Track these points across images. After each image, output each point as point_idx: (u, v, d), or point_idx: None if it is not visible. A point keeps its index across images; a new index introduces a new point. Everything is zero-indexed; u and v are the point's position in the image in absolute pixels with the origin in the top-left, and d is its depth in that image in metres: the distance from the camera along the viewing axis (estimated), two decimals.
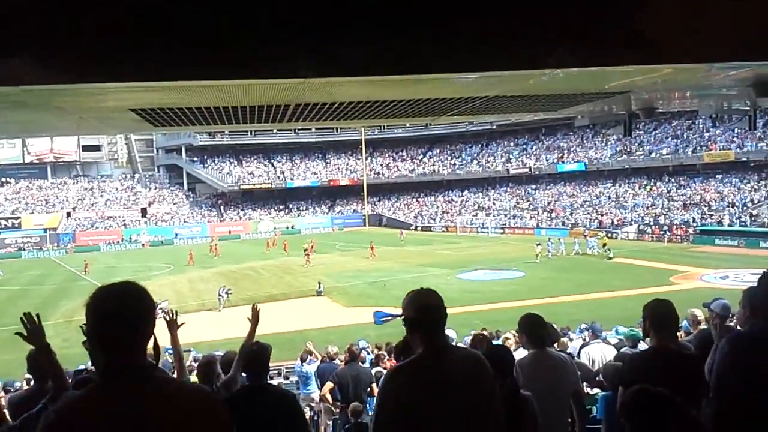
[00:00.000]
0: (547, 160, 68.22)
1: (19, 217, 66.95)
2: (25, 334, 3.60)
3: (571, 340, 9.32)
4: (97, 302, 1.87)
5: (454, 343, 8.15)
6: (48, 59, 3.15)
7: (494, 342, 7.25)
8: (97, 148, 79.38)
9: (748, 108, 7.60)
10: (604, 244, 40.25)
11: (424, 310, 2.78)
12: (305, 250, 42.12)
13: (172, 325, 4.86)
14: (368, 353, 13.02)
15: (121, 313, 1.85)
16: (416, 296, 2.83)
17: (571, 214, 58.45)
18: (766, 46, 3.53)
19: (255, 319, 5.05)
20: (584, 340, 8.77)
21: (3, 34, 3.00)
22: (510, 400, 3.77)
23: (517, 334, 9.51)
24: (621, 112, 6.74)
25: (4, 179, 73.51)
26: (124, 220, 70.38)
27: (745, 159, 50.05)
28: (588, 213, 57.11)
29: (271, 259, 46.16)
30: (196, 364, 7.85)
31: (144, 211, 72.04)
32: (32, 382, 5.30)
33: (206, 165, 79.24)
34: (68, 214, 69.46)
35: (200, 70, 3.33)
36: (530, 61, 3.62)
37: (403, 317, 2.82)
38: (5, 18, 2.95)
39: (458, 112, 5.78)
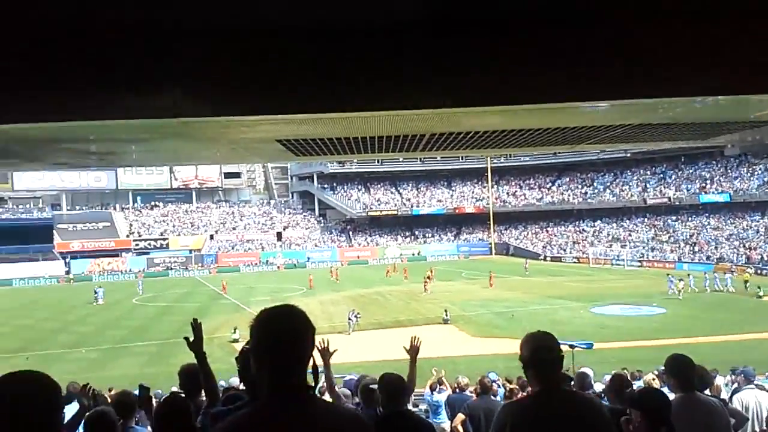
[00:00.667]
0: (687, 190, 64.06)
1: (167, 239, 72.51)
2: (191, 339, 3.79)
3: (726, 385, 8.59)
4: (266, 322, 1.94)
5: (591, 381, 7.78)
6: (204, 94, 3.42)
7: (635, 384, 6.86)
8: (237, 175, 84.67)
9: None
10: (746, 281, 37.15)
11: (539, 350, 2.97)
12: (426, 277, 42.28)
13: (325, 353, 5.04)
14: (499, 386, 12.72)
15: (289, 333, 1.91)
16: (531, 337, 3.05)
17: (716, 247, 54.34)
18: None
19: (414, 351, 5.20)
20: (737, 384, 8.04)
21: (164, 68, 3.30)
22: None
23: (657, 376, 8.94)
24: None
25: (153, 203, 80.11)
26: (261, 243, 74.17)
27: None
28: (734, 247, 52.83)
29: (392, 285, 46.50)
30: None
31: (279, 235, 75.59)
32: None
33: (336, 192, 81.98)
34: (211, 237, 74.29)
35: (342, 103, 3.49)
36: (677, 88, 3.46)
37: (519, 356, 3.02)
38: (165, 51, 3.24)
39: (598, 140, 5.57)
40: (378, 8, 3.26)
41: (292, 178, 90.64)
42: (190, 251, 70.47)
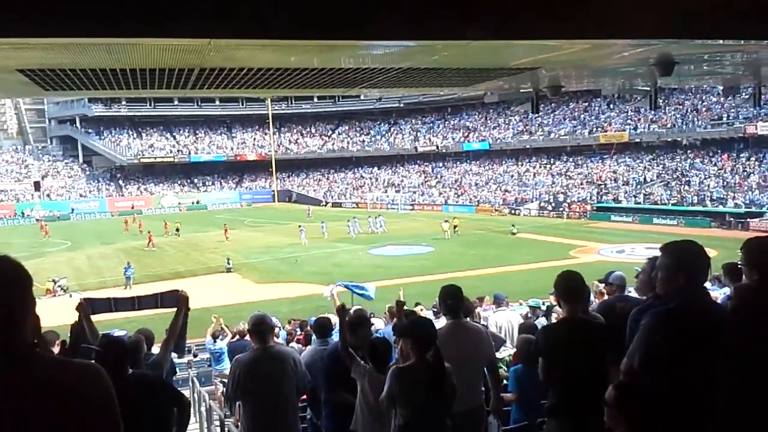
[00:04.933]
0: (453, 139, 69.57)
1: None
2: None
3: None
4: None
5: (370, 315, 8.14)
6: None
7: None
8: None
9: (649, 88, 7.95)
10: (455, 227, 39.74)
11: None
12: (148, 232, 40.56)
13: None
14: (281, 329, 12.87)
15: None
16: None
17: (476, 191, 60.01)
18: (672, 24, 3.64)
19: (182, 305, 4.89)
20: (492, 309, 9.02)
21: None
22: (435, 371, 3.78)
23: (424, 308, 9.69)
24: (528, 90, 6.87)
25: None
26: (15, 194, 65.99)
27: (638, 140, 52.98)
28: (492, 191, 58.82)
29: (123, 241, 42.97)
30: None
31: (37, 185, 67.76)
32: None
33: (103, 137, 75.28)
34: None
35: (94, 27, 3.05)
36: (444, 32, 3.58)
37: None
38: None
39: (370, 84, 5.68)
40: None
41: (50, 122, 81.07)
42: None
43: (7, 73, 4.18)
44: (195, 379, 11.85)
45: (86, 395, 1.72)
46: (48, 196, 67.06)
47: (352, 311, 5.87)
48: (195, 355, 15.54)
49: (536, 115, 62.29)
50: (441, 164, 69.07)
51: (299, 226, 39.52)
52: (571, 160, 58.37)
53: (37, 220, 58.74)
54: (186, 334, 5.05)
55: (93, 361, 2.63)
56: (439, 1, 3.40)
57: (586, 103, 61.09)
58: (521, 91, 7.22)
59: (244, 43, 3.60)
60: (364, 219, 44.13)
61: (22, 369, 1.66)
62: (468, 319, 5.44)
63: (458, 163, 67.85)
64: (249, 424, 4.93)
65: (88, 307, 4.64)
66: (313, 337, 6.30)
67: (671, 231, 35.84)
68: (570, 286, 3.77)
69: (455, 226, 39.36)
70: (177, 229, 43.85)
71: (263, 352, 4.86)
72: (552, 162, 59.52)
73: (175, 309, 4.78)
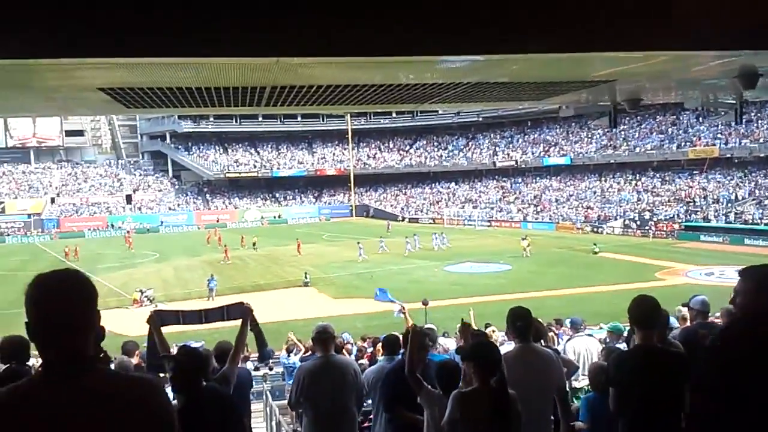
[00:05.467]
0: (533, 153, 68.35)
1: (2, 202, 66.17)
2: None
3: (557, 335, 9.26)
4: (33, 291, 1.74)
5: (435, 336, 8.01)
6: (4, 35, 2.95)
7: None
8: (80, 133, 78.62)
9: (734, 101, 7.50)
10: (528, 245, 38.03)
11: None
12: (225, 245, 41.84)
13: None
14: (353, 345, 12.93)
15: (57, 300, 1.73)
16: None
17: (557, 208, 58.60)
18: (754, 36, 3.41)
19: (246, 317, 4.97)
20: (568, 335, 8.67)
21: None
22: (498, 397, 3.65)
23: (496, 329, 9.45)
24: (606, 103, 6.61)
25: None
26: (108, 207, 69.74)
27: (729, 155, 50.36)
28: (574, 207, 57.29)
29: (207, 254, 44.25)
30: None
31: (129, 198, 71.42)
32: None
33: (191, 152, 78.58)
34: (52, 200, 68.72)
35: (167, 47, 3.15)
36: (517, 45, 3.49)
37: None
38: None
39: (440, 99, 5.61)
40: None
41: (142, 137, 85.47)
42: (29, 216, 64.76)
43: (90, 92, 4.38)
44: (269, 392, 12.02)
45: (141, 409, 1.73)
46: (139, 209, 70.48)
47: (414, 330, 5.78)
48: (270, 368, 15.82)
49: (620, 129, 60.39)
50: (520, 179, 67.95)
51: (358, 243, 39.48)
52: (657, 175, 56.06)
53: (127, 232, 61.84)
54: (265, 342, 5.24)
55: (150, 375, 2.68)
56: (506, 14, 3.32)
57: (674, 116, 58.57)
58: (599, 104, 6.96)
59: (311, 61, 3.63)
60: (427, 235, 43.87)
61: (79, 379, 1.69)
62: (540, 343, 5.25)
63: (538, 178, 66.56)
64: (310, 429, 5.13)
65: (158, 319, 4.77)
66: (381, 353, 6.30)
67: (764, 252, 33.75)
68: (643, 311, 3.55)
69: (528, 245, 38.16)
70: (254, 244, 44.75)
71: (326, 360, 5.11)
72: (637, 178, 57.37)
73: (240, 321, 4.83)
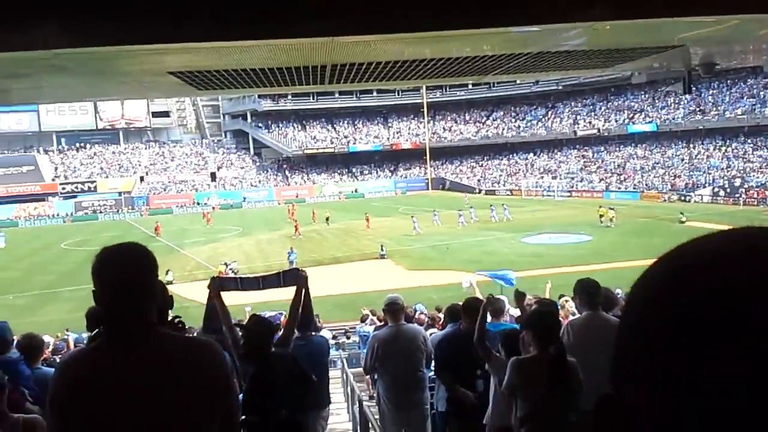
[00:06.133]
0: (616, 121, 65.88)
1: (94, 181, 69.99)
2: None
3: None
4: (98, 262, 1.89)
5: (504, 306, 8.05)
6: (74, 23, 3.19)
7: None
8: (166, 114, 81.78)
9: None
10: (601, 216, 37.50)
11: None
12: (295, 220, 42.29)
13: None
14: (426, 316, 13.10)
15: (114, 275, 1.87)
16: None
17: (642, 176, 56.45)
18: None
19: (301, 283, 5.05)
20: None
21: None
22: (557, 364, 3.68)
23: (569, 299, 9.33)
24: (680, 68, 6.34)
25: (79, 144, 76.73)
26: (194, 185, 72.59)
27: None
28: (660, 176, 55.02)
29: (287, 228, 44.47)
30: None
31: (213, 176, 74.06)
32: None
33: (271, 130, 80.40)
34: (141, 179, 72.13)
35: (225, 31, 3.32)
36: (579, 13, 3.45)
37: None
38: None
39: (502, 71, 5.56)
40: None
41: (224, 117, 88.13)
42: (120, 194, 68.27)
43: (159, 76, 4.62)
44: (345, 359, 12.39)
45: (197, 369, 1.85)
46: (223, 185, 72.98)
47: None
48: (348, 337, 16.27)
49: (709, 93, 57.28)
50: (602, 148, 65.77)
51: (412, 217, 39.55)
52: (749, 141, 52.95)
53: (212, 208, 64.20)
54: (312, 311, 5.32)
55: (210, 339, 2.87)
56: None
57: (767, 80, 54.97)
58: (672, 69, 6.68)
59: (369, 39, 3.71)
60: (485, 208, 43.20)
61: (140, 344, 1.84)
62: (611, 313, 5.20)
63: (621, 146, 64.22)
64: (384, 393, 5.59)
65: (218, 284, 4.98)
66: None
67: None
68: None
69: (611, 218, 37.07)
70: (327, 219, 45.06)
71: (396, 329, 5.52)
72: (727, 144, 54.40)
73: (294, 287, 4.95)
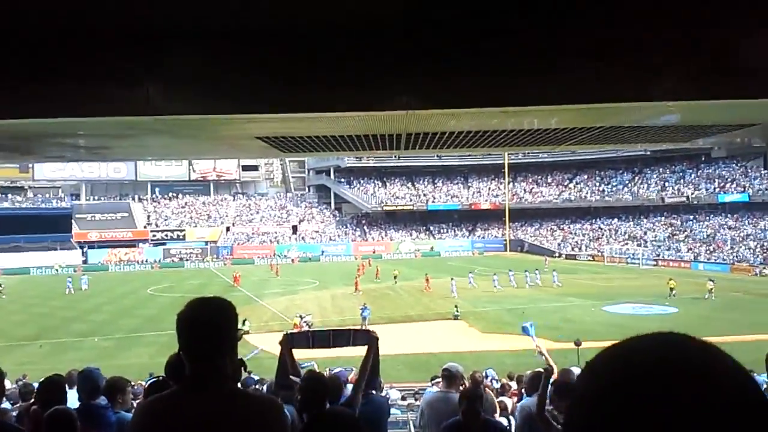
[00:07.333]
0: (706, 190, 63.37)
1: (183, 230, 73.27)
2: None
3: None
4: (182, 313, 2.06)
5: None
6: (175, 93, 3.57)
7: None
8: (254, 168, 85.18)
9: None
10: (671, 289, 35.52)
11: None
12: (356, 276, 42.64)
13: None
14: (497, 381, 12.83)
15: (198, 325, 2.04)
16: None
17: (732, 248, 53.73)
18: None
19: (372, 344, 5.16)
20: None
21: (137, 68, 3.46)
22: None
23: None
24: (760, 144, 6.22)
25: (171, 194, 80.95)
26: (276, 236, 74.64)
27: None
28: (752, 248, 52.20)
29: (363, 284, 43.98)
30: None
31: (294, 228, 76.05)
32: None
33: (353, 186, 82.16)
34: (227, 229, 74.92)
35: (310, 104, 3.62)
36: (649, 93, 3.56)
37: None
38: (139, 53, 3.40)
39: (577, 141, 5.64)
40: (359, 7, 3.38)
41: (309, 172, 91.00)
42: (206, 243, 71.14)
43: (248, 140, 5.00)
44: (412, 421, 12.25)
45: (260, 424, 1.99)
46: (303, 238, 74.71)
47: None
48: (416, 399, 16.08)
49: None
50: (691, 217, 63.26)
51: (470, 273, 41.10)
52: None
53: (291, 260, 65.65)
54: (379, 372, 5.37)
55: (274, 396, 3.02)
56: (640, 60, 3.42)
57: None
58: (754, 145, 6.55)
59: (438, 113, 3.93)
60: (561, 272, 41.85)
61: (214, 393, 1.98)
62: None
63: (712, 215, 61.61)
64: None
65: (290, 341, 5.15)
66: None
67: None
68: None
69: (671, 289, 35.56)
70: (395, 277, 44.75)
71: (445, 395, 5.60)
72: None
73: (366, 347, 5.04)
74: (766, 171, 58.69)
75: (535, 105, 3.65)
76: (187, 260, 66.77)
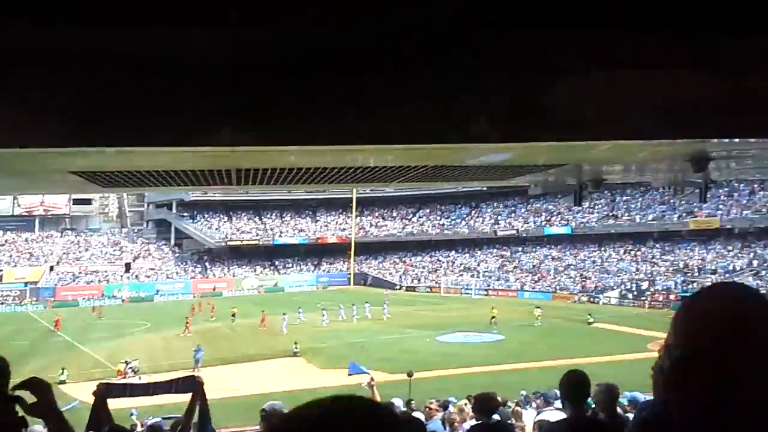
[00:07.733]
0: (534, 223, 68.75)
1: (0, 270, 66.17)
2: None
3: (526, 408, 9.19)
4: None
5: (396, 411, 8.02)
6: None
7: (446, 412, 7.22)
8: (88, 201, 79.46)
9: (701, 180, 7.76)
10: (493, 317, 37.44)
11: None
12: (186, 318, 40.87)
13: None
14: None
15: None
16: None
17: (555, 277, 58.52)
18: (690, 125, 3.67)
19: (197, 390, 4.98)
20: (537, 408, 8.64)
21: None
22: None
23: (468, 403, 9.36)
24: (572, 182, 6.85)
25: None
26: (106, 275, 69.66)
27: (730, 226, 50.70)
28: (572, 277, 57.20)
29: (198, 323, 42.69)
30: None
31: (128, 266, 71.46)
32: None
33: (196, 220, 79.08)
34: (51, 268, 68.78)
35: (127, 138, 3.42)
36: (463, 135, 3.76)
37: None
38: None
39: (404, 179, 5.85)
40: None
41: (148, 206, 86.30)
42: (26, 284, 64.62)
43: (60, 174, 4.63)
44: None
45: None
46: (136, 277, 70.36)
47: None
48: None
49: (623, 199, 61.11)
50: (520, 249, 68.13)
51: (322, 309, 41.29)
52: (657, 246, 56.28)
53: (122, 300, 61.57)
54: (208, 417, 5.17)
55: None
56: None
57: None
58: (567, 183, 7.19)
59: (262, 150, 3.89)
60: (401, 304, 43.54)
61: None
62: (498, 418, 5.31)
63: (538, 247, 66.77)
64: None
65: (105, 391, 4.84)
66: None
67: None
68: (571, 384, 3.73)
69: (493, 317, 37.47)
70: (233, 315, 43.34)
71: None
72: (637, 248, 57.57)
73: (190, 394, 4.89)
74: (576, 207, 64.78)
75: (364, 144, 3.73)
76: (2, 303, 60.14)
